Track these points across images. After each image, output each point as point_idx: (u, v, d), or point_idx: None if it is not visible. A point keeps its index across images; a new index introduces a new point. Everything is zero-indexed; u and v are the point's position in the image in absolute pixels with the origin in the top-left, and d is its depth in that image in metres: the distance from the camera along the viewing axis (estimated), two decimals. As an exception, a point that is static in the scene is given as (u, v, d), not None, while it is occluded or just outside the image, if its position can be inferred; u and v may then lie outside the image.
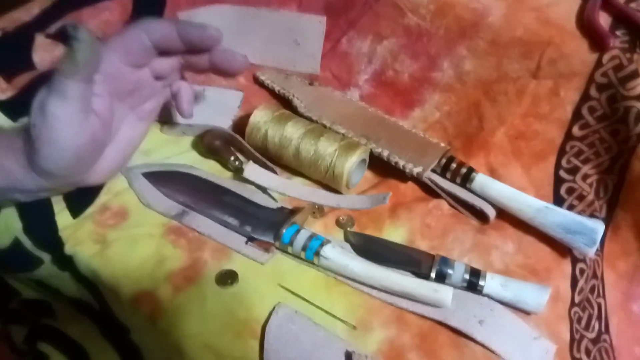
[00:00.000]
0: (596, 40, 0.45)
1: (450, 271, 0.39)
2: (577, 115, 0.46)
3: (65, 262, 0.40)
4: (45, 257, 0.41)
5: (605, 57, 0.44)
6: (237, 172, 0.46)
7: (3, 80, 0.47)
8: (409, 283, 0.37)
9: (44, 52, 0.49)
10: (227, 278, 0.38)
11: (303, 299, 0.38)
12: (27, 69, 0.48)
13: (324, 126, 0.48)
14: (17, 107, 0.46)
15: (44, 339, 0.45)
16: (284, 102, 0.53)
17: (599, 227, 0.41)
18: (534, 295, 0.38)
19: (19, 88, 0.47)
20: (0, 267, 0.43)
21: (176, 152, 0.48)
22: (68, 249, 0.40)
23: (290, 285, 0.38)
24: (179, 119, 0.48)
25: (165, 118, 0.49)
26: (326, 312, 0.37)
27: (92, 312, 0.41)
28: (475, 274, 0.38)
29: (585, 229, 0.41)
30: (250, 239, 0.41)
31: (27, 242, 0.41)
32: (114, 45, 0.38)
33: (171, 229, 0.41)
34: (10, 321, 0.46)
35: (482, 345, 0.36)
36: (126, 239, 0.41)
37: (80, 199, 0.42)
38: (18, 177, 0.36)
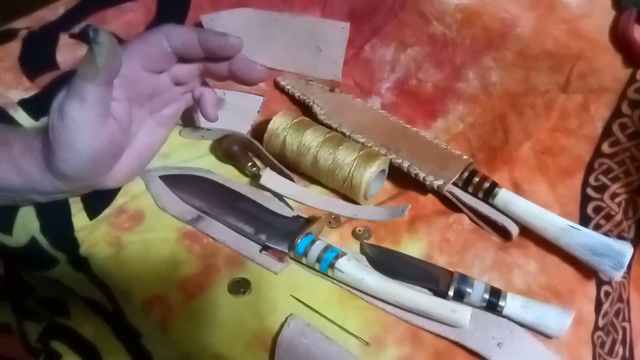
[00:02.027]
0: (630, 54, 0.43)
1: (469, 290, 0.37)
2: (607, 131, 0.44)
3: (80, 263, 0.40)
4: (61, 257, 0.41)
5: (639, 73, 0.42)
6: (254, 179, 0.46)
7: (26, 78, 0.48)
8: (426, 301, 0.36)
9: (68, 52, 0.49)
10: (240, 287, 0.38)
11: (316, 311, 0.37)
12: (50, 69, 0.48)
13: (344, 134, 0.48)
14: (40, 106, 0.46)
15: (57, 338, 0.45)
16: (304, 109, 0.52)
17: (627, 250, 0.39)
18: (556, 319, 0.36)
19: (42, 87, 0.47)
20: (17, 264, 0.44)
21: (194, 155, 0.48)
22: (83, 250, 0.40)
23: (304, 297, 0.38)
24: (201, 122, 0.48)
25: (188, 122, 0.49)
26: (339, 326, 0.36)
27: (106, 314, 0.41)
28: (496, 293, 0.37)
29: (613, 251, 0.39)
30: (265, 248, 0.40)
31: (43, 242, 0.41)
32: (134, 49, 0.37)
33: (186, 234, 0.41)
34: (25, 318, 0.47)
35: (500, 369, 0.34)
36: (141, 243, 0.41)
37: (98, 200, 0.42)
38: (35, 179, 0.36)
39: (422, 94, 0.52)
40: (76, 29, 0.52)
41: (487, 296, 0.37)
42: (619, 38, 0.45)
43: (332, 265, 0.38)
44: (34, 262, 0.42)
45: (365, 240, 0.43)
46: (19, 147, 0.37)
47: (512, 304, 0.37)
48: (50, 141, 0.34)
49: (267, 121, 0.48)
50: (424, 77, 0.51)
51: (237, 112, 0.51)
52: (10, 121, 0.45)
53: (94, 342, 0.44)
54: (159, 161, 0.46)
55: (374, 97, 0.54)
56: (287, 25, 0.54)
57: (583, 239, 0.40)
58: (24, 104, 0.46)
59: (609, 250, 0.39)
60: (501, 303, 0.37)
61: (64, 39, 0.51)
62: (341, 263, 0.38)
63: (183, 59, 0.40)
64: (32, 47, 0.50)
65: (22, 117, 0.46)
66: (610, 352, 0.42)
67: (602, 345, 0.42)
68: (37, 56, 0.49)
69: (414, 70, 0.52)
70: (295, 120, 0.47)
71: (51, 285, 0.43)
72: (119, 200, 0.43)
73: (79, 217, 0.42)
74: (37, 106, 0.46)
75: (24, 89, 0.47)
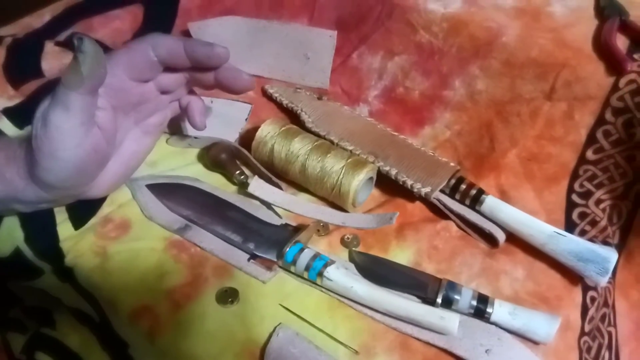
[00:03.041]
0: (613, 63, 0.44)
1: (457, 297, 0.38)
2: (591, 139, 0.45)
3: (66, 273, 0.40)
4: (46, 267, 0.41)
5: (622, 81, 0.43)
6: (242, 187, 0.46)
7: (11, 87, 0.47)
8: (415, 309, 0.36)
9: (54, 59, 0.49)
10: (228, 296, 0.38)
11: (305, 320, 0.37)
12: (35, 77, 0.48)
13: (332, 142, 0.48)
14: (24, 114, 0.46)
15: (42, 349, 0.44)
16: (292, 116, 0.52)
17: (612, 255, 0.40)
18: (543, 325, 0.36)
19: (27, 95, 0.47)
20: (2, 274, 0.43)
21: (181, 164, 0.48)
22: (69, 260, 0.40)
23: (293, 306, 0.37)
24: (188, 130, 0.48)
25: (175, 130, 0.49)
26: (329, 335, 0.36)
27: (92, 324, 0.41)
28: (483, 300, 0.37)
29: (598, 257, 0.40)
30: (253, 257, 0.40)
31: (28, 252, 0.41)
32: (120, 58, 0.37)
33: (173, 244, 0.41)
34: (10, 329, 0.46)
35: (489, 376, 0.35)
36: (127, 253, 0.40)
37: (83, 210, 0.42)
38: (18, 188, 0.36)
39: (410, 102, 0.52)
40: (62, 36, 0.52)
41: (474, 303, 0.37)
42: (602, 47, 0.46)
43: (320, 274, 0.38)
44: (19, 273, 0.42)
45: (353, 248, 0.43)
46: (1, 155, 0.36)
47: (499, 311, 0.37)
48: (33, 150, 0.34)
49: (255, 129, 0.48)
50: (411, 85, 0.52)
51: (224, 120, 0.51)
52: (-8, 129, 0.45)
53: (79, 353, 0.43)
54: (145, 170, 0.46)
55: (362, 105, 0.54)
56: (276, 34, 0.54)
57: (569, 245, 0.40)
58: (8, 112, 0.46)
59: (595, 256, 0.40)
60: (489, 310, 0.37)
61: (49, 47, 0.51)
62: (330, 271, 0.38)
63: (169, 68, 0.40)
64: (17, 54, 0.50)
65: (6, 125, 0.45)
66: (597, 357, 0.42)
67: (589, 350, 0.42)
68: (21, 64, 0.49)
69: (401, 79, 0.52)
70: (283, 128, 0.47)
71: (37, 295, 0.43)
72: (104, 210, 0.43)
73: (64, 227, 0.41)
74: (21, 115, 0.46)
75: (8, 97, 0.46)
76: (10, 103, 0.46)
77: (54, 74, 0.48)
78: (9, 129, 0.45)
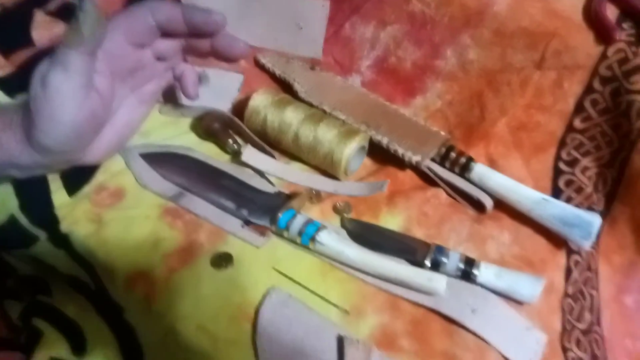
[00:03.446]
0: (602, 33, 0.45)
1: (445, 260, 0.39)
2: (579, 107, 0.46)
3: (61, 240, 0.41)
4: (41, 234, 0.41)
5: (611, 50, 0.44)
6: (235, 156, 0.46)
7: (1, 56, 0.47)
8: (404, 271, 0.37)
9: (43, 29, 0.48)
10: (222, 261, 0.38)
11: (298, 283, 0.38)
12: (25, 46, 0.47)
13: (324, 112, 0.48)
14: (15, 83, 0.46)
15: (38, 315, 0.45)
16: (285, 87, 0.53)
17: (595, 220, 0.41)
18: (527, 286, 0.38)
19: (17, 65, 0.47)
20: (-3, 243, 0.44)
21: (174, 133, 0.48)
22: (64, 227, 0.40)
23: (286, 270, 0.38)
24: (182, 100, 0.48)
25: (168, 99, 0.49)
26: (321, 297, 0.37)
27: (88, 291, 0.42)
28: (470, 263, 0.39)
29: (582, 222, 0.41)
30: (247, 223, 0.41)
31: (23, 220, 0.41)
32: (118, 23, 0.37)
33: (168, 211, 0.41)
34: (6, 297, 0.47)
35: (474, 334, 0.36)
36: (122, 220, 0.41)
37: (77, 177, 0.42)
38: (14, 153, 0.36)
39: (402, 72, 0.52)
40: (52, 5, 0.51)
41: (462, 265, 0.38)
42: (592, 16, 0.46)
43: (313, 239, 0.39)
44: (14, 241, 0.42)
45: (345, 215, 0.44)
46: None
47: (485, 273, 0.38)
48: (31, 112, 0.34)
49: (248, 99, 0.48)
50: (403, 55, 0.52)
51: (217, 90, 0.51)
52: (-16, 99, 0.45)
53: (76, 320, 0.44)
54: (139, 139, 0.46)
55: (354, 75, 0.54)
56: (267, 3, 0.54)
57: (554, 210, 0.42)
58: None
59: (579, 221, 0.41)
60: (475, 272, 0.38)
61: (39, 16, 0.50)
62: (322, 236, 0.39)
63: (166, 34, 0.40)
64: (7, 24, 0.49)
65: (-3, 94, 0.45)
66: (579, 318, 0.44)
67: (571, 311, 0.44)
68: (11, 33, 0.48)
69: (393, 48, 0.52)
70: (276, 98, 0.47)
71: (32, 264, 0.43)
72: (98, 178, 0.43)
73: (58, 195, 0.42)
74: (12, 84, 0.45)
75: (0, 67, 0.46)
76: (1, 73, 0.46)
77: (45, 43, 0.48)
78: (1, 98, 0.45)
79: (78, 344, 0.44)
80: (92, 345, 0.44)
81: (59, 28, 0.49)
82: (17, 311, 0.47)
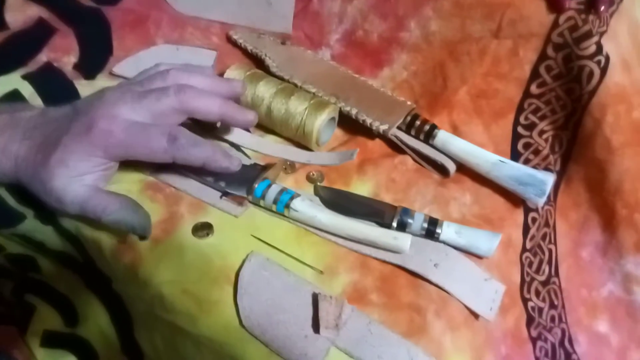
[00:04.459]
0: (553, 1, 0.47)
1: (410, 221, 0.42)
2: (535, 74, 0.48)
3: (48, 216, 0.42)
4: (28, 212, 0.42)
5: (562, 18, 0.46)
6: (211, 130, 0.48)
7: (-24, 40, 0.47)
8: (371, 232, 0.40)
9: (17, 11, 0.49)
10: (203, 230, 0.40)
11: (275, 248, 0.40)
12: (0, 29, 0.48)
13: (295, 85, 0.50)
14: (-8, 66, 0.47)
15: (30, 291, 0.47)
16: (257, 62, 0.54)
17: (548, 178, 0.44)
18: (485, 241, 0.41)
19: (-7, 48, 0.47)
20: (-17, 223, 0.45)
21: (152, 111, 0.49)
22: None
23: (263, 236, 0.41)
24: None
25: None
26: (296, 259, 0.40)
27: (76, 265, 0.43)
28: (433, 222, 0.42)
29: (536, 180, 0.44)
30: (225, 194, 0.43)
31: (9, 199, 0.42)
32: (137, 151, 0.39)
33: (148, 185, 0.43)
34: (-2, 276, 0.48)
35: (437, 286, 0.39)
36: (106, 195, 0.42)
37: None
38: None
39: (369, 45, 0.54)
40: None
41: (425, 225, 0.41)
42: (544, -14, 0.48)
43: (287, 206, 0.41)
44: (1, 220, 0.43)
45: (318, 183, 0.46)
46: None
47: (447, 231, 0.41)
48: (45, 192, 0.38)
49: (222, 75, 0.49)
50: (370, 28, 0.54)
51: (191, 67, 0.53)
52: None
53: (66, 294, 0.46)
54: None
55: (324, 49, 0.56)
56: (238, -20, 0.55)
57: (511, 171, 0.45)
58: (-23, 65, 0.46)
59: (533, 179, 0.44)
60: (438, 230, 0.41)
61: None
62: (296, 203, 0.41)
63: None
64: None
65: (-25, 78, 0.46)
66: (537, 271, 0.48)
67: (530, 264, 0.47)
68: (-16, 17, 0.49)
69: (360, 22, 0.54)
70: (248, 73, 0.49)
71: (20, 242, 0.44)
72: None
73: (43, 173, 0.43)
74: (-11, 67, 0.46)
75: (-25, 50, 0.47)
76: (-22, 56, 0.47)
77: (19, 25, 0.48)
78: (-21, 81, 0.46)
79: (70, 316, 0.47)
80: (83, 317, 0.46)
81: (32, 10, 0.49)
82: (9, 288, 0.48)
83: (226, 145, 0.48)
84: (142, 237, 0.39)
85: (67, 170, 0.37)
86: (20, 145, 0.38)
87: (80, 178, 0.38)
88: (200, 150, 0.39)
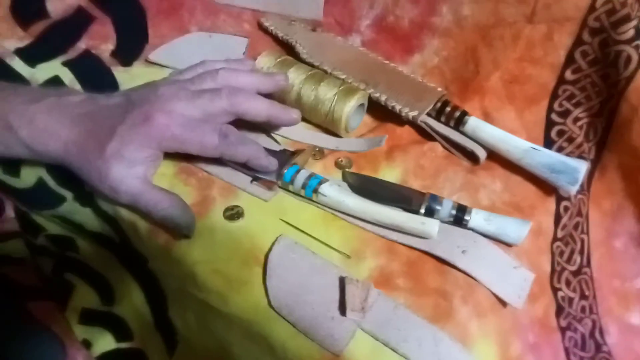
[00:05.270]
0: (591, -16, 0.45)
1: (438, 207, 0.42)
2: (570, 59, 0.47)
3: (87, 199, 0.44)
4: (68, 195, 0.44)
5: (599, 2, 0.44)
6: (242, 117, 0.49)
7: (20, 28, 0.49)
8: (399, 217, 0.40)
9: (57, 0, 0.50)
10: (234, 213, 0.42)
11: (302, 231, 0.41)
12: (41, 17, 0.50)
13: (325, 72, 0.50)
14: (34, 53, 0.48)
15: (69, 270, 0.49)
16: (287, 48, 0.55)
17: (581, 166, 0.43)
18: (515, 229, 0.41)
19: (35, 36, 0.49)
20: (26, 204, 0.47)
21: (185, 97, 0.51)
22: (88, 187, 0.44)
23: (292, 220, 0.41)
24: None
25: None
26: (323, 243, 0.40)
27: (113, 245, 0.45)
28: (462, 209, 0.41)
29: (569, 168, 0.43)
30: (255, 179, 0.44)
31: (50, 181, 0.44)
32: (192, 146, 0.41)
33: (182, 169, 0.44)
34: (38, 254, 0.51)
35: (465, 273, 0.39)
36: (141, 178, 0.44)
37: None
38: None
39: (400, 30, 0.54)
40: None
41: (454, 212, 0.41)
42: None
43: (316, 191, 0.42)
44: (43, 202, 0.45)
45: (346, 170, 0.46)
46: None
47: (476, 218, 0.41)
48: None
49: (253, 60, 0.50)
50: (401, 13, 0.53)
51: (224, 53, 0.53)
52: (7, 69, 0.47)
53: (102, 273, 0.48)
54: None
55: (354, 35, 0.56)
56: (269, -32, 0.55)
57: (543, 158, 0.44)
58: (20, 52, 0.48)
59: (566, 167, 0.43)
60: (466, 217, 0.41)
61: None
62: (324, 188, 0.42)
63: None
64: (23, -2, 0.51)
65: (18, 65, 0.48)
66: (569, 260, 0.47)
67: (561, 254, 0.46)
68: (27, 6, 0.50)
69: (391, 7, 0.54)
70: (278, 60, 0.50)
71: (60, 223, 0.47)
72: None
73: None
74: (32, 54, 0.48)
75: (19, 38, 0.49)
76: (21, 44, 0.49)
77: (59, 14, 0.50)
78: (22, 68, 0.48)
79: (107, 294, 0.49)
80: (119, 295, 0.48)
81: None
82: (49, 266, 0.50)
83: (257, 131, 0.48)
84: (186, 236, 0.40)
85: (123, 161, 0.39)
86: (71, 131, 0.39)
87: (134, 170, 0.40)
88: (247, 148, 0.41)
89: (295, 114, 0.45)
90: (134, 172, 0.40)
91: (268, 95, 0.45)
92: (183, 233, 0.40)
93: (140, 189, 0.40)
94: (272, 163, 0.43)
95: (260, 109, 0.43)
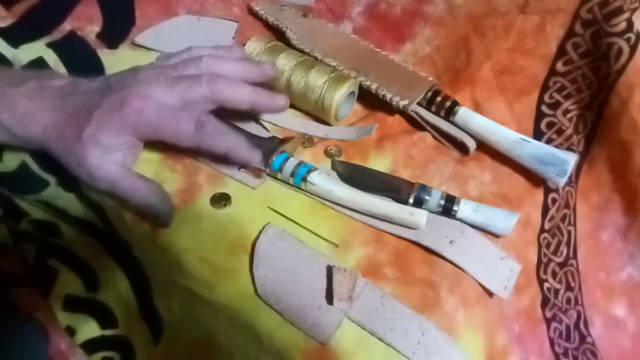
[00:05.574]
0: (584, -25, 0.45)
1: (427, 197, 0.41)
2: (561, 51, 0.47)
3: (70, 184, 0.43)
4: (51, 179, 0.44)
5: (592, -7, 0.45)
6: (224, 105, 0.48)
7: (3, 8, 0.48)
8: (388, 207, 0.40)
9: (40, -21, 0.49)
10: (221, 200, 0.41)
11: (291, 220, 0.41)
12: (24, -3, 0.49)
13: (316, 59, 0.50)
14: (17, 34, 0.47)
15: (52, 256, 0.48)
16: (278, 34, 0.54)
17: (570, 158, 0.43)
18: (502, 220, 0.41)
19: (19, 15, 0.48)
20: (9, 189, 0.46)
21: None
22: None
23: (280, 208, 0.41)
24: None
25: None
26: (312, 232, 0.40)
27: (97, 232, 0.44)
28: (451, 200, 0.41)
29: (557, 160, 0.43)
30: (243, 166, 0.43)
31: (33, 165, 0.43)
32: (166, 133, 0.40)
33: (168, 155, 0.43)
34: (21, 240, 0.50)
35: (452, 263, 0.39)
36: (126, 163, 0.43)
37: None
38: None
39: (391, 18, 0.53)
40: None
41: (442, 202, 0.41)
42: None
43: (304, 179, 0.41)
44: (26, 186, 0.44)
45: (336, 158, 0.46)
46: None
47: (464, 208, 0.41)
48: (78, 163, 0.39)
49: (242, 46, 0.49)
50: (393, 1, 0.53)
51: (212, 38, 0.52)
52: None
53: (87, 259, 0.47)
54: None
55: (346, 22, 0.56)
56: (259, -49, 0.54)
57: (532, 150, 0.44)
58: (2, 33, 0.47)
59: (554, 159, 0.43)
60: (455, 208, 0.41)
61: (35, -33, 0.51)
62: (313, 176, 0.41)
63: None
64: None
65: (1, 45, 0.46)
66: (555, 252, 0.47)
67: (548, 245, 0.47)
68: (10, -15, 0.49)
69: (383, -6, 0.53)
70: (268, 45, 0.49)
71: (44, 208, 0.46)
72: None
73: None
74: (15, 34, 0.47)
75: (1, 18, 0.47)
76: (4, 24, 0.47)
77: (43, -7, 0.49)
78: (4, 49, 0.46)
79: (91, 281, 0.48)
80: (104, 282, 0.47)
81: (56, -22, 0.50)
82: (32, 252, 0.49)
83: (245, 118, 0.48)
84: (163, 225, 0.40)
85: (99, 146, 0.38)
86: (51, 115, 0.38)
87: (111, 156, 0.39)
88: (225, 140, 0.40)
89: (282, 100, 0.44)
90: (112, 158, 0.39)
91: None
92: (161, 222, 0.40)
93: (118, 175, 0.39)
94: (254, 157, 0.41)
95: (243, 95, 0.41)
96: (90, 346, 0.48)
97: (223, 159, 0.42)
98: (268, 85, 0.48)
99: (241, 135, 0.41)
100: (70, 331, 0.49)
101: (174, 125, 0.39)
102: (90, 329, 0.48)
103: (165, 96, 0.39)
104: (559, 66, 0.47)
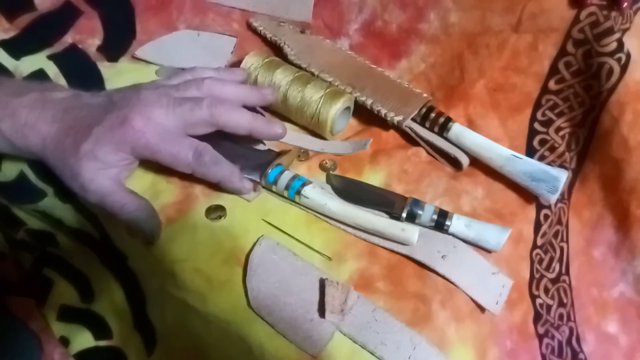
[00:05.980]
0: (575, -4, 0.46)
1: (420, 212, 0.42)
2: (553, 69, 0.48)
3: (68, 194, 0.43)
4: (49, 190, 0.44)
5: (583, 14, 0.45)
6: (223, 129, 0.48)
7: (5, 20, 0.49)
8: (380, 222, 0.40)
9: (44, -7, 0.50)
10: (216, 212, 0.41)
11: (285, 233, 0.41)
12: (27, 10, 0.49)
13: (312, 74, 0.50)
14: (20, 46, 0.48)
15: (48, 266, 0.48)
16: (276, 49, 0.55)
17: (562, 175, 0.44)
18: (494, 235, 0.41)
19: (21, 28, 0.49)
20: (6, 198, 0.46)
21: (171, 94, 0.50)
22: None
23: (274, 221, 0.41)
24: (177, 62, 0.50)
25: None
26: (305, 245, 0.40)
27: (93, 242, 0.45)
28: (443, 215, 0.42)
29: (549, 177, 0.44)
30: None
31: (31, 176, 0.44)
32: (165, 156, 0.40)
33: (165, 167, 0.44)
34: (18, 249, 0.50)
35: (444, 277, 0.39)
36: (123, 174, 0.43)
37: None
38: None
39: (388, 35, 0.54)
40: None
41: (435, 217, 0.42)
42: (566, -20, 0.48)
43: (299, 192, 0.42)
44: (23, 196, 0.45)
45: (331, 172, 0.46)
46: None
47: (457, 223, 0.41)
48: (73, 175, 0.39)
49: (241, 61, 0.50)
50: (389, 19, 0.54)
51: (211, 52, 0.54)
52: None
53: (82, 269, 0.47)
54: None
55: (343, 39, 0.56)
56: (259, -32, 0.55)
57: (524, 166, 0.45)
58: (4, 44, 0.47)
59: (546, 176, 0.44)
60: (447, 222, 0.41)
61: (39, -19, 0.52)
62: (307, 190, 0.42)
63: None
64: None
65: (2, 57, 0.47)
66: (548, 268, 0.47)
67: (540, 261, 0.47)
68: (14, -1, 0.50)
69: (379, 12, 0.54)
70: (266, 60, 0.50)
71: (41, 218, 0.46)
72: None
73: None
74: (17, 46, 0.48)
75: (4, 30, 0.48)
76: (6, 36, 0.48)
77: (47, 7, 0.50)
78: (6, 60, 0.47)
79: (86, 292, 0.48)
80: (99, 293, 0.47)
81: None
82: (29, 261, 0.50)
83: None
84: (148, 242, 0.40)
85: (95, 162, 0.38)
86: (51, 126, 0.39)
87: (105, 171, 0.39)
88: (219, 170, 0.41)
89: (279, 128, 0.44)
90: (106, 173, 0.39)
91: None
92: (147, 239, 0.40)
93: (109, 190, 0.39)
94: (245, 187, 0.42)
95: (242, 121, 0.42)
96: (84, 357, 0.48)
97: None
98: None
99: (235, 166, 0.42)
100: (65, 341, 0.48)
101: (173, 151, 0.40)
102: (84, 340, 0.48)
103: (167, 118, 0.39)
104: (552, 84, 0.48)
